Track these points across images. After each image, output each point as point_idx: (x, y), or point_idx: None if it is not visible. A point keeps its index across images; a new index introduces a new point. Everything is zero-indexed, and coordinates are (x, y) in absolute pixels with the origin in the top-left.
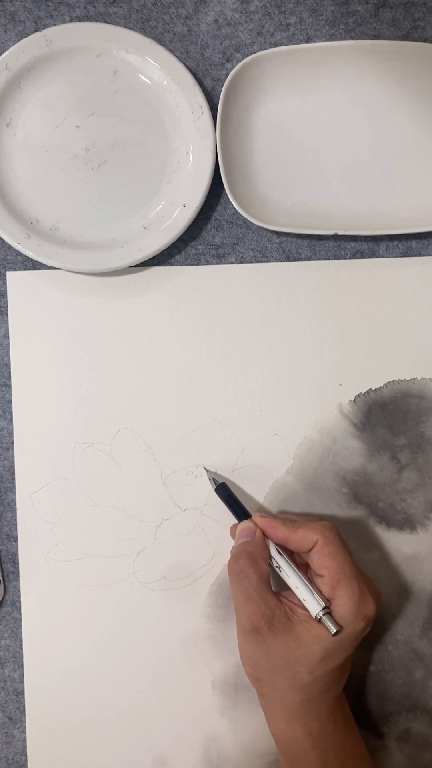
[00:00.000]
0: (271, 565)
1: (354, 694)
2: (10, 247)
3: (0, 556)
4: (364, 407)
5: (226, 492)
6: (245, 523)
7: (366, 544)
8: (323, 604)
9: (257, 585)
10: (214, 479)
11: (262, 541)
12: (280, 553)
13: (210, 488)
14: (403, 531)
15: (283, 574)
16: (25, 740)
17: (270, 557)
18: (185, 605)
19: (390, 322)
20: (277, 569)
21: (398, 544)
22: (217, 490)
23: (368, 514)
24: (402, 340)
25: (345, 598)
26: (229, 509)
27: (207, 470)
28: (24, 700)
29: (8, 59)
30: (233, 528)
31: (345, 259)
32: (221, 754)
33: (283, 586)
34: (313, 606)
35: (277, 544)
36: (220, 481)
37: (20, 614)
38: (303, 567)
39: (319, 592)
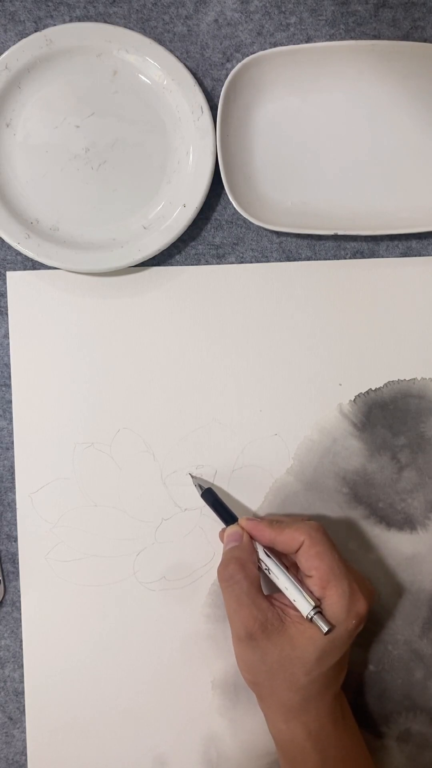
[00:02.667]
0: (260, 568)
1: (354, 694)
2: (10, 247)
3: (0, 556)
4: (364, 407)
5: (212, 497)
6: (232, 528)
7: (366, 544)
8: (313, 604)
9: (248, 590)
10: (200, 485)
11: (250, 545)
12: (268, 555)
13: (222, 489)
14: (403, 531)
15: (272, 576)
16: (25, 740)
17: (259, 560)
18: (185, 605)
19: (390, 322)
20: (266, 571)
21: (398, 544)
22: (203, 496)
23: (368, 514)
24: (402, 340)
25: (335, 597)
26: (216, 514)
27: (192, 476)
28: (24, 700)
29: (8, 59)
30: (221, 533)
31: (345, 259)
32: (221, 754)
33: (274, 589)
34: (304, 606)
35: (264, 546)
36: (206, 486)
37: (20, 614)
38: (293, 567)
39: (309, 593)
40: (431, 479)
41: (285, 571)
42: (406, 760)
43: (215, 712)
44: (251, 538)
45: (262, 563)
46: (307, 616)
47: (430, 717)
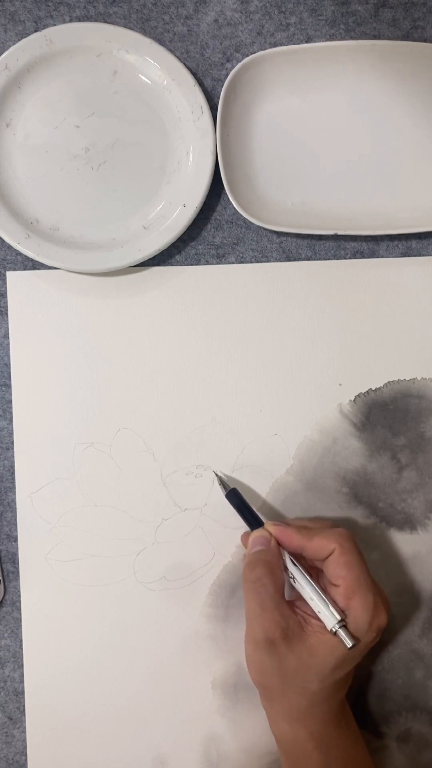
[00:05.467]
0: (285, 575)
1: (354, 694)
2: (10, 247)
3: (0, 556)
4: (364, 407)
5: (237, 498)
6: (259, 532)
7: (366, 544)
8: (339, 617)
9: (273, 595)
10: (223, 484)
11: (277, 551)
12: (294, 564)
13: (210, 488)
14: (403, 531)
15: (297, 585)
16: (25, 740)
17: (285, 567)
18: (185, 605)
19: (390, 322)
20: (291, 580)
21: (398, 544)
22: (227, 496)
23: (368, 514)
24: (402, 340)
25: (360, 610)
26: (240, 516)
27: (216, 474)
28: (24, 700)
29: (8, 59)
30: (245, 536)
31: (345, 259)
32: (221, 754)
33: (294, 594)
34: (329, 619)
35: (291, 553)
36: (231, 487)
37: (20, 614)
38: (315, 572)
39: (334, 603)
40: (431, 479)
41: (311, 581)
42: (406, 760)
43: (215, 712)
44: (278, 543)
45: (288, 571)
46: (331, 629)
47: (430, 717)
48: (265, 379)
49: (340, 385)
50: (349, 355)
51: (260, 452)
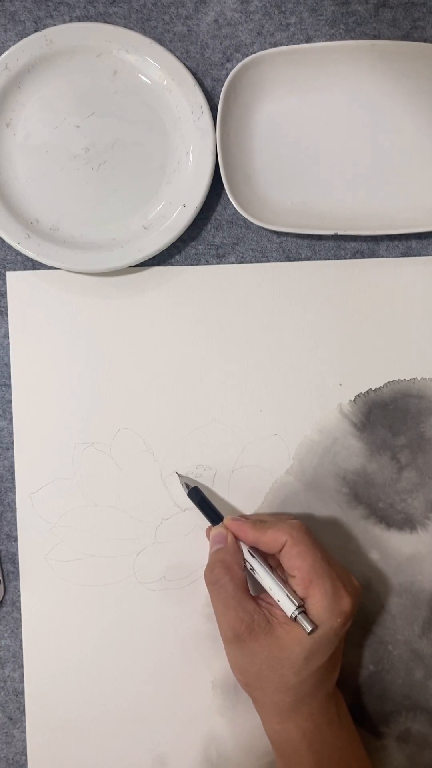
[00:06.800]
0: (246, 568)
1: (354, 694)
2: (10, 247)
3: (0, 556)
4: (364, 407)
5: (198, 496)
6: (217, 529)
7: (366, 544)
8: (297, 604)
9: (234, 592)
10: (186, 484)
11: (235, 546)
12: (253, 556)
13: (209, 488)
14: (403, 531)
15: (257, 576)
16: (25, 740)
17: (244, 560)
18: (185, 605)
19: (390, 322)
20: (251, 572)
21: (398, 544)
22: (189, 495)
23: (368, 514)
24: (402, 340)
25: (318, 596)
26: (202, 513)
27: (179, 475)
28: (24, 700)
29: (8, 59)
30: (208, 531)
31: (345, 259)
32: (221, 754)
33: (261, 589)
34: (288, 606)
35: (249, 546)
36: (193, 485)
37: (20, 614)
38: (280, 566)
39: (293, 592)
40: (431, 479)
41: (269, 571)
42: (406, 760)
43: (215, 712)
44: (236, 538)
45: (247, 563)
46: (291, 616)
47: (430, 717)
48: (265, 379)
49: (340, 385)
50: (349, 355)
51: (260, 452)
